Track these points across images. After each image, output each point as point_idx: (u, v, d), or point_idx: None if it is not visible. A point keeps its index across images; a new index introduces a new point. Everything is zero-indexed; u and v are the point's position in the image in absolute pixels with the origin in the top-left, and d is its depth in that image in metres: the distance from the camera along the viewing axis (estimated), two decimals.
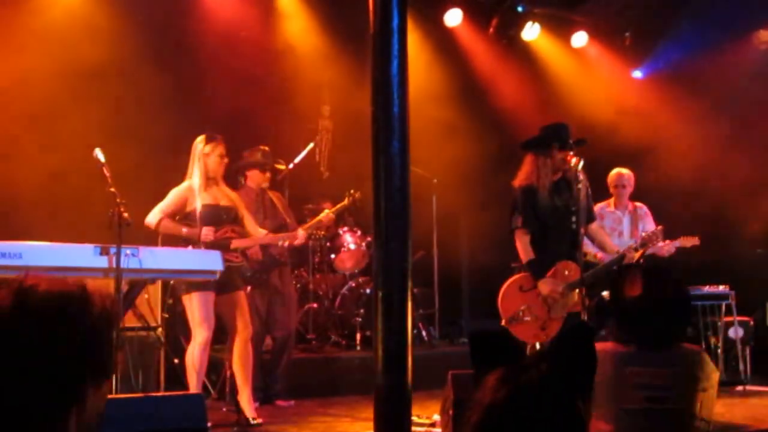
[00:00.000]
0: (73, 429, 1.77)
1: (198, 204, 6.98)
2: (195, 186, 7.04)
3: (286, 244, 7.39)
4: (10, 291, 1.75)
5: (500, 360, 2.04)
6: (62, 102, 8.50)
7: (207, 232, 6.89)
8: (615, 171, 9.14)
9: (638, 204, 9.16)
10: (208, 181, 7.07)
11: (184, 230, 6.91)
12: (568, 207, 6.89)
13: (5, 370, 1.69)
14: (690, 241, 8.33)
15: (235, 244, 7.06)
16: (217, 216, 7.03)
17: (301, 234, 7.35)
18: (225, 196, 7.16)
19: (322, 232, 7.57)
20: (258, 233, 7.29)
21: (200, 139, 7.12)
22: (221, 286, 6.82)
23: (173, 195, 7.07)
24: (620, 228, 8.99)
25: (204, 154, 7.07)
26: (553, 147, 6.98)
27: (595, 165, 7.43)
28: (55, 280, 1.79)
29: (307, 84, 10.32)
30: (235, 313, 6.98)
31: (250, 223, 7.32)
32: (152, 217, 6.95)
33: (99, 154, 6.09)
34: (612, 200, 9.12)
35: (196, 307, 6.73)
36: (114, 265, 5.64)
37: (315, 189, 10.18)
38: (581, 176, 6.61)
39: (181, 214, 7.02)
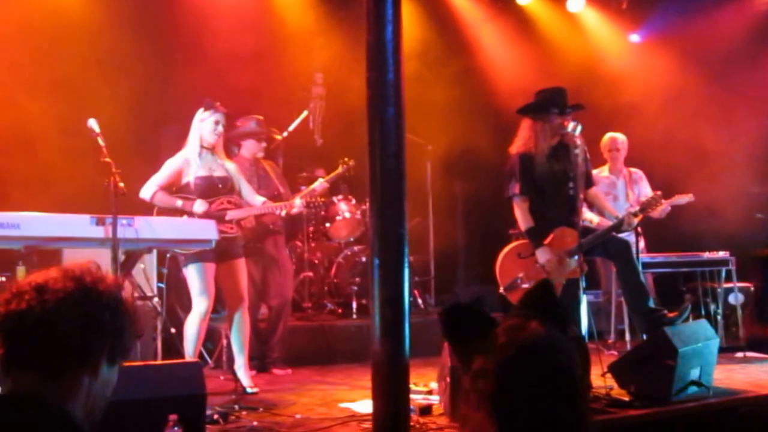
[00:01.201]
0: (86, 389, 2.16)
1: (191, 176, 7.02)
2: (190, 156, 7.07)
3: (283, 213, 7.41)
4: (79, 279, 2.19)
5: (473, 331, 2.33)
6: (56, 69, 8.53)
7: (200, 205, 6.91)
8: (608, 135, 9.21)
9: (633, 169, 9.22)
10: (203, 150, 7.08)
11: (179, 203, 6.90)
12: (566, 173, 6.92)
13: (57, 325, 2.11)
14: (684, 198, 8.36)
15: (231, 215, 7.05)
16: (212, 187, 7.00)
17: (298, 202, 7.34)
18: (220, 165, 7.15)
19: (322, 199, 7.56)
20: (256, 202, 7.28)
21: (201, 107, 7.13)
22: (220, 255, 6.86)
23: (167, 167, 7.06)
24: (614, 192, 9.05)
25: (199, 121, 7.09)
26: (551, 112, 7.00)
27: (592, 130, 7.47)
28: (112, 282, 2.24)
29: (299, 51, 10.32)
30: (233, 281, 7.01)
31: (247, 192, 7.29)
32: (146, 190, 6.94)
33: (93, 124, 6.11)
34: (606, 166, 9.18)
35: (195, 278, 6.78)
36: (110, 235, 5.69)
37: (309, 157, 10.21)
38: (579, 141, 6.63)
39: (176, 186, 7.03)
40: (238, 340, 7.07)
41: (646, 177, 9.23)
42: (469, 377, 2.28)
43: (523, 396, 2.11)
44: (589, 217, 8.24)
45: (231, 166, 7.24)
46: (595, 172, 8.60)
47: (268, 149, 8.60)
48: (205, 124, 7.04)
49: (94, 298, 2.17)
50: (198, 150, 7.03)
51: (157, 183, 6.96)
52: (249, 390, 6.95)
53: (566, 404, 2.16)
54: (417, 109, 7.50)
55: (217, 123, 7.06)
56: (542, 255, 6.93)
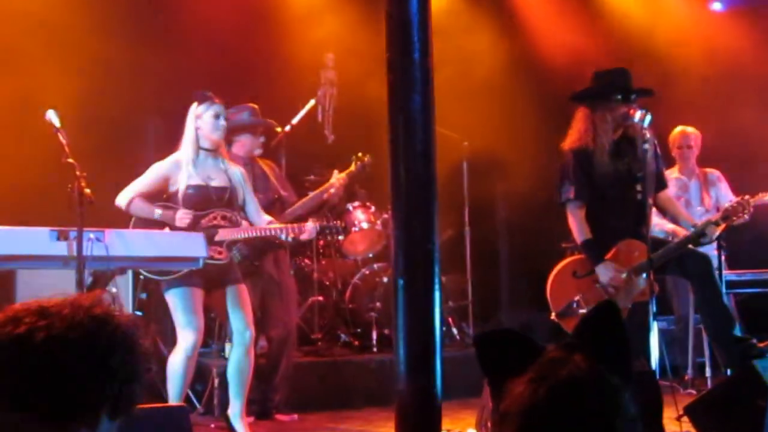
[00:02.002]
0: None
1: (182, 183, 6.97)
2: (183, 160, 7.03)
3: (290, 238, 7.30)
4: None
5: (515, 362, 2.17)
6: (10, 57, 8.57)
7: (183, 216, 6.84)
8: (678, 129, 9.23)
9: (708, 169, 9.20)
10: (202, 152, 7.05)
11: (158, 212, 6.85)
12: (632, 173, 6.92)
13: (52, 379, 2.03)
14: None
15: (223, 234, 6.98)
16: (206, 199, 6.96)
17: (310, 227, 7.14)
18: (222, 172, 7.11)
19: (341, 223, 7.48)
20: (260, 221, 7.22)
21: (194, 100, 7.10)
22: (210, 282, 6.87)
23: (152, 171, 7.02)
24: (686, 196, 9.03)
25: (196, 117, 7.03)
26: (613, 99, 6.98)
27: (661, 122, 7.41)
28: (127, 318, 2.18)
29: (307, 27, 10.34)
30: (234, 310, 6.96)
31: (252, 207, 7.24)
32: (123, 196, 6.92)
33: (53, 117, 6.10)
34: (676, 167, 9.15)
35: (178, 306, 6.75)
36: (75, 253, 5.69)
37: (317, 156, 10.19)
38: (648, 134, 6.61)
39: (162, 196, 7.00)
40: (237, 381, 7.03)
41: (725, 178, 9.21)
42: (494, 422, 2.23)
43: None
44: (663, 225, 8.21)
45: (237, 174, 7.16)
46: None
47: (267, 146, 8.60)
48: (203, 121, 7.01)
49: (108, 334, 2.10)
50: (194, 153, 7.00)
51: (136, 189, 6.95)
52: None
53: None
54: (450, 97, 7.50)
55: (217, 116, 7.01)
56: (603, 273, 6.93)
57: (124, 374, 2.11)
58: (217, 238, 6.91)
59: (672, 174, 9.04)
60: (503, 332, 2.36)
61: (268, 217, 7.31)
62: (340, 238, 9.67)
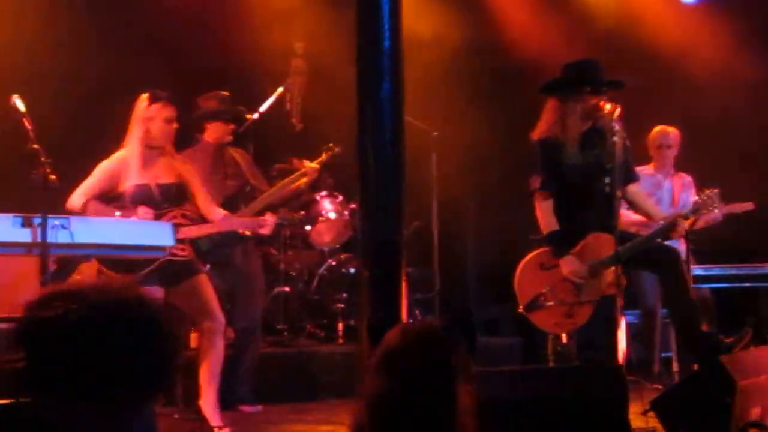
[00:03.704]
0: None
1: (129, 182, 6.85)
2: (130, 158, 6.96)
3: (248, 233, 7.29)
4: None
5: None
6: None
7: (143, 215, 6.77)
8: (658, 128, 9.21)
9: (683, 173, 9.23)
10: (149, 151, 6.97)
11: (118, 214, 6.80)
12: (601, 164, 6.95)
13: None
14: (742, 207, 8.38)
15: (185, 233, 6.93)
16: (154, 197, 6.90)
17: (269, 221, 7.22)
18: (170, 170, 7.07)
19: (299, 215, 7.48)
20: (214, 214, 7.17)
21: (143, 98, 6.98)
22: (169, 278, 6.84)
23: (100, 171, 6.94)
24: (659, 194, 9.01)
25: (146, 119, 6.94)
26: (583, 90, 7.01)
27: (631, 117, 7.42)
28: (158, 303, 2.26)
29: (275, 14, 10.32)
30: (198, 300, 6.96)
31: (204, 201, 7.17)
32: (75, 200, 6.83)
33: (18, 102, 6.10)
34: (651, 165, 9.18)
35: None
36: (39, 239, 5.68)
37: (285, 145, 10.14)
38: (617, 126, 6.64)
39: (112, 195, 6.95)
40: (209, 368, 7.01)
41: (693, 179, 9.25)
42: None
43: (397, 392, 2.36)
44: (629, 216, 8.23)
45: (182, 169, 7.12)
46: (638, 168, 8.61)
47: (236, 133, 8.58)
48: (155, 124, 6.94)
49: (146, 317, 2.12)
50: (140, 151, 6.95)
51: (86, 192, 6.87)
52: (219, 431, 6.96)
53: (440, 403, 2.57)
54: (419, 86, 7.50)
55: (168, 121, 6.96)
56: (568, 265, 6.96)
57: (162, 360, 2.14)
58: (178, 236, 6.85)
59: (646, 170, 9.06)
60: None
61: (221, 211, 7.31)
62: (308, 227, 9.73)
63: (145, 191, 6.91)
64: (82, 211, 6.79)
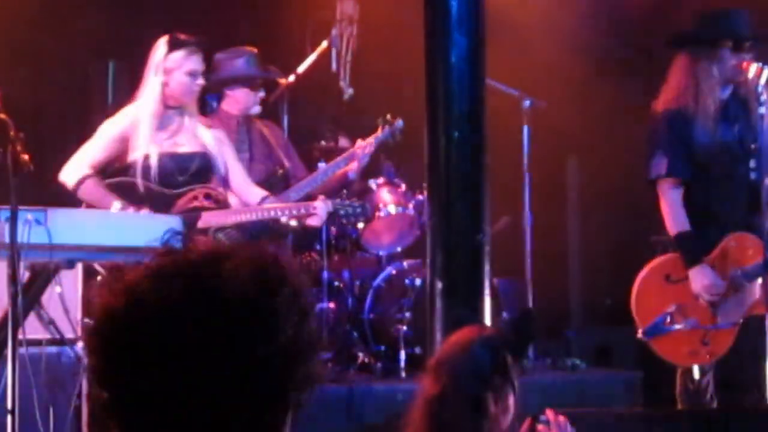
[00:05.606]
0: None
1: (139, 151, 6.90)
2: (142, 118, 6.96)
3: (294, 222, 7.25)
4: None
5: None
6: None
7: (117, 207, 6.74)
8: None
9: None
10: (167, 112, 7.00)
11: (117, 205, 6.78)
12: (744, 144, 6.90)
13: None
14: None
15: (207, 220, 6.95)
16: (171, 171, 6.96)
17: (320, 207, 7.16)
18: (192, 137, 7.06)
19: (357, 202, 7.43)
20: (252, 195, 7.18)
21: (162, 42, 7.01)
22: None
23: (104, 133, 6.98)
24: None
25: (165, 70, 6.98)
26: (722, 45, 6.96)
27: None
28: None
29: None
30: None
31: (238, 178, 7.21)
32: (70, 173, 6.89)
33: None
34: None
35: None
36: (6, 239, 5.69)
37: (330, 117, 10.21)
38: (766, 95, 6.60)
39: (118, 165, 6.97)
40: None
41: None
42: None
43: None
44: None
45: (209, 136, 7.13)
46: None
47: (266, 102, 8.58)
48: (173, 78, 6.97)
49: (277, 290, 2.09)
50: (155, 109, 6.96)
51: (87, 161, 6.90)
52: None
53: None
54: (506, 41, 7.49)
55: (192, 74, 6.98)
56: (701, 278, 6.88)
57: (301, 346, 2.12)
58: (199, 225, 6.86)
59: None
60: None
61: (261, 191, 7.25)
62: (360, 225, 9.68)
63: (168, 162, 6.95)
64: (76, 190, 6.79)
